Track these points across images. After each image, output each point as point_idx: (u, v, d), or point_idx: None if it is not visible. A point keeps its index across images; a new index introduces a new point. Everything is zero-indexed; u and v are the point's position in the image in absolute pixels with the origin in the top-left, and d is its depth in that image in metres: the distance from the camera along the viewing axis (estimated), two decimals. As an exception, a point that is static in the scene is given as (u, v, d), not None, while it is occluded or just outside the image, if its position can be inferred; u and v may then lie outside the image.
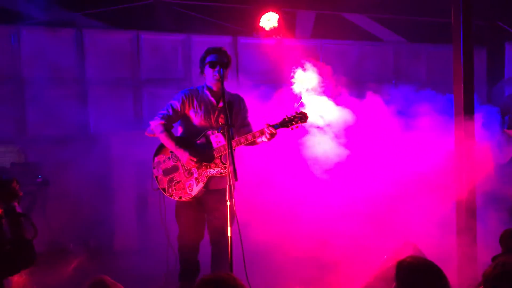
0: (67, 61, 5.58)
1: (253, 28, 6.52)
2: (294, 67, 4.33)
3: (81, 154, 5.61)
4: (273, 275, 4.45)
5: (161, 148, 3.75)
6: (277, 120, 3.48)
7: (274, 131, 3.43)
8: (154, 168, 3.74)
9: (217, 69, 3.57)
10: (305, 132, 4.28)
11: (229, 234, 3.18)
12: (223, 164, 3.53)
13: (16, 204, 2.22)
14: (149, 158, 4.00)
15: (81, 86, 5.67)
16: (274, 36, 6.56)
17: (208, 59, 3.65)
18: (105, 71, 5.76)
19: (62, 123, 5.51)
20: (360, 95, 5.98)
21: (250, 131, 3.73)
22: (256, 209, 4.91)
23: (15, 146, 5.35)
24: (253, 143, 3.62)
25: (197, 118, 3.68)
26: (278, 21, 6.34)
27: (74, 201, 5.56)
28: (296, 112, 3.49)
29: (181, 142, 3.66)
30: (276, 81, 6.46)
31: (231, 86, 3.88)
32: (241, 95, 4.00)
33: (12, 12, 5.41)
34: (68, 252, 5.34)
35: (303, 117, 3.48)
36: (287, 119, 3.48)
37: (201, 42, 6.02)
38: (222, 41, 6.26)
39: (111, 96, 5.79)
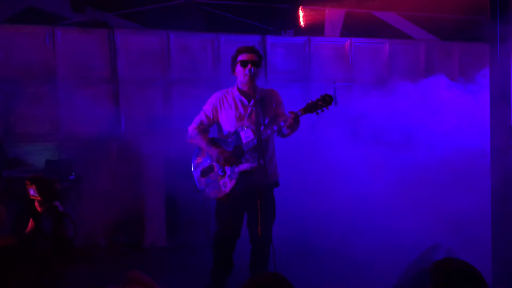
0: (99, 61, 5.69)
1: (281, 27, 6.51)
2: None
3: (113, 152, 5.72)
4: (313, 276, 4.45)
5: (199, 150, 3.80)
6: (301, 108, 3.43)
7: (293, 119, 3.37)
8: (194, 170, 3.79)
9: (248, 67, 3.57)
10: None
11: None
12: (253, 158, 3.53)
13: (58, 203, 2.27)
14: (179, 156, 4.06)
15: (113, 85, 5.77)
16: (302, 34, 6.54)
17: (240, 58, 3.63)
18: (136, 70, 5.84)
19: (94, 122, 5.61)
20: (389, 92, 5.95)
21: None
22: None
23: (50, 144, 5.48)
24: (282, 134, 3.62)
25: (230, 119, 3.70)
26: (307, 20, 6.32)
27: (105, 198, 5.66)
28: (321, 95, 3.41)
29: (212, 141, 3.71)
30: (305, 80, 6.44)
31: (260, 84, 3.88)
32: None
33: (46, 13, 5.55)
34: (99, 248, 5.45)
35: (328, 99, 3.39)
36: (311, 103, 3.41)
37: (230, 41, 6.05)
38: (251, 40, 6.27)
39: (142, 95, 5.87)
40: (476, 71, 5.18)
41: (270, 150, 3.70)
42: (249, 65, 3.55)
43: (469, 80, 5.41)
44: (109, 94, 5.77)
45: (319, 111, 3.42)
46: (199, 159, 3.77)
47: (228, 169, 3.60)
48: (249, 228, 3.74)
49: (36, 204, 2.31)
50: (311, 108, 3.41)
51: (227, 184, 3.59)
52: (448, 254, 3.10)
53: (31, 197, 2.31)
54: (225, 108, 3.71)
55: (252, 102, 3.67)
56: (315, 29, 6.60)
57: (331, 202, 5.21)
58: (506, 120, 3.35)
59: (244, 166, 3.56)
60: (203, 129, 3.76)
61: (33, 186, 2.28)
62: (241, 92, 3.72)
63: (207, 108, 3.77)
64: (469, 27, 6.60)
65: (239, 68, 3.64)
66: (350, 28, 6.86)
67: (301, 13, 6.26)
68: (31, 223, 2.34)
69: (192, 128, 3.78)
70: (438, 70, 6.03)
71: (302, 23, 6.27)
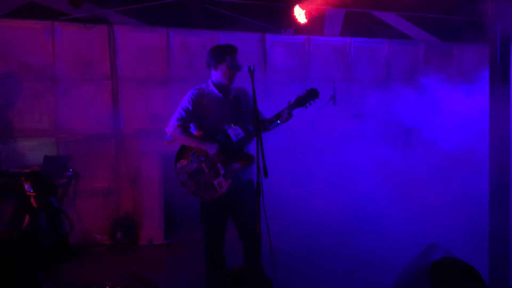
0: (99, 57, 5.68)
1: (281, 25, 6.50)
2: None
3: (111, 149, 5.72)
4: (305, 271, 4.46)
5: (181, 152, 3.70)
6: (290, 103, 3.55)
7: (289, 114, 3.54)
8: (178, 174, 3.67)
9: (239, 70, 3.56)
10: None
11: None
12: (247, 155, 3.54)
13: (53, 199, 2.27)
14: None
15: (112, 82, 5.75)
16: (302, 33, 6.54)
17: (231, 59, 3.60)
18: (135, 67, 5.82)
19: (93, 118, 5.61)
20: (388, 92, 5.96)
21: (263, 117, 3.71)
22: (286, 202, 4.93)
23: (49, 140, 5.47)
24: (266, 128, 3.63)
25: (208, 116, 3.65)
26: (307, 18, 6.30)
27: (103, 194, 5.67)
28: (307, 90, 3.57)
29: (204, 138, 3.64)
30: (304, 79, 6.44)
31: (259, 83, 3.88)
32: (269, 92, 4.01)
33: (47, 8, 5.52)
34: (96, 244, 5.45)
35: (315, 93, 3.56)
36: (299, 98, 3.55)
37: (230, 39, 6.02)
38: (251, 38, 6.27)
39: (141, 92, 5.85)
40: (475, 72, 5.19)
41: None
42: (247, 68, 3.55)
43: (468, 81, 5.43)
44: (108, 91, 5.75)
45: (307, 104, 3.59)
46: (183, 162, 3.65)
47: (221, 169, 3.56)
48: (240, 225, 3.71)
49: (32, 200, 2.31)
50: (300, 102, 3.57)
51: (222, 184, 3.54)
52: (446, 254, 3.11)
53: (27, 193, 2.31)
54: (204, 105, 3.66)
55: (230, 98, 3.69)
56: (314, 28, 6.60)
57: (330, 201, 5.22)
58: (505, 121, 3.36)
59: (239, 165, 3.54)
60: (186, 127, 3.68)
61: (29, 182, 2.28)
62: (218, 87, 3.69)
63: (186, 104, 3.67)
64: (468, 28, 6.61)
65: (225, 68, 3.61)
66: (350, 28, 6.86)
67: (299, 11, 6.22)
68: (27, 219, 2.34)
69: (173, 128, 3.64)
70: (437, 71, 6.03)
71: (300, 21, 6.24)
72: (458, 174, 5.01)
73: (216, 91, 3.69)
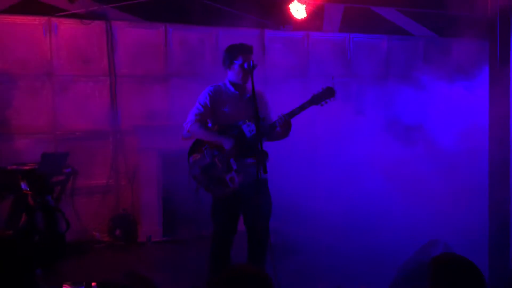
0: (97, 54, 5.65)
1: (280, 21, 6.47)
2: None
3: (109, 146, 5.70)
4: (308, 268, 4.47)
5: (194, 147, 3.74)
6: (304, 101, 3.54)
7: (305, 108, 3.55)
8: (191, 168, 3.70)
9: (250, 74, 3.55)
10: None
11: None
12: (260, 151, 3.53)
13: (49, 198, 2.26)
14: (176, 151, 4.02)
15: (110, 78, 5.72)
16: (301, 29, 6.50)
17: (242, 60, 3.63)
18: (133, 64, 5.79)
19: (91, 115, 5.60)
20: (388, 88, 5.95)
21: (271, 120, 3.73)
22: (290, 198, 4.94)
23: (47, 137, 5.45)
24: (278, 135, 3.66)
25: (224, 113, 3.69)
26: (305, 13, 6.25)
27: (101, 191, 5.66)
28: (323, 88, 3.55)
29: (220, 132, 3.67)
30: (304, 75, 6.43)
31: (257, 80, 3.87)
32: (268, 88, 4.01)
33: (43, 4, 5.49)
34: (95, 242, 5.44)
35: (332, 91, 3.54)
36: (315, 96, 3.55)
37: (229, 35, 6.01)
38: (249, 34, 6.24)
39: (140, 88, 5.83)
40: (474, 68, 5.19)
41: None
42: (246, 64, 3.55)
43: (468, 77, 5.42)
44: (106, 87, 5.72)
45: (323, 102, 3.58)
46: (196, 156, 3.69)
47: (234, 164, 3.57)
48: (248, 221, 3.72)
49: (29, 198, 2.29)
50: (316, 100, 3.57)
51: (235, 179, 3.56)
52: (445, 250, 3.11)
53: (24, 191, 2.30)
54: (220, 102, 3.70)
55: (245, 96, 3.70)
56: (313, 24, 6.57)
57: (331, 197, 5.22)
58: (505, 117, 3.35)
59: (251, 160, 3.55)
60: (204, 122, 3.71)
61: (25, 181, 2.26)
62: (234, 86, 3.74)
63: (203, 100, 3.72)
64: (468, 24, 6.59)
65: (237, 68, 3.65)
66: (349, 24, 6.83)
67: (298, 6, 6.18)
68: (24, 217, 2.32)
69: (191, 122, 3.67)
70: (436, 67, 6.03)
71: (298, 16, 6.20)
72: (460, 170, 5.00)
73: (232, 88, 3.74)
